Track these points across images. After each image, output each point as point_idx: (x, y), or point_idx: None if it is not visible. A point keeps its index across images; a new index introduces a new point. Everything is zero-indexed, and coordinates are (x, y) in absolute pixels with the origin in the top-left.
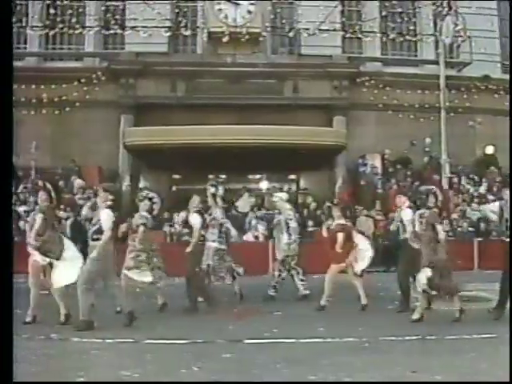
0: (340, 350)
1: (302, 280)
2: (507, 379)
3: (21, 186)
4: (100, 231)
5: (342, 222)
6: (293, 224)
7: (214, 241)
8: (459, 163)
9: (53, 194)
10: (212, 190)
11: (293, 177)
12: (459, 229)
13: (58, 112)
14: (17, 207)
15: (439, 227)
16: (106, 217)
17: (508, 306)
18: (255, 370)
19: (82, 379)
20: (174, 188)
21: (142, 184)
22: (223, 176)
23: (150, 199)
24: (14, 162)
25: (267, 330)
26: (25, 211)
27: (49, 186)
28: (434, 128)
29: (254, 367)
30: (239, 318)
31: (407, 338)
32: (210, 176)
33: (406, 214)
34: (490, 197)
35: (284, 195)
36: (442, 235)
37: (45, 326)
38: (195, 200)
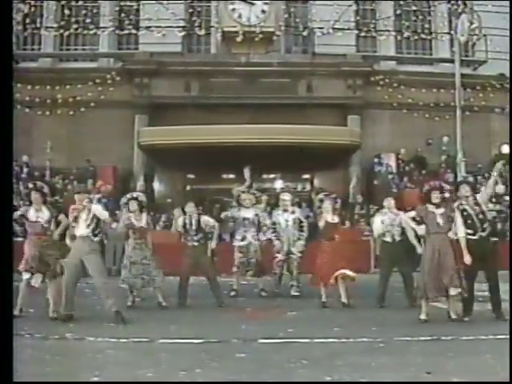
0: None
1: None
2: (507, 379)
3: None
4: None
5: None
6: None
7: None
8: (475, 162)
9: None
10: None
11: (307, 176)
12: None
13: (73, 112)
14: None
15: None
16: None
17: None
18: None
19: (96, 378)
20: (188, 187)
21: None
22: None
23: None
24: (29, 162)
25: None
26: None
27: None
28: (450, 127)
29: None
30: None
31: (422, 338)
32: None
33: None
34: (506, 197)
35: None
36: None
37: None
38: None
